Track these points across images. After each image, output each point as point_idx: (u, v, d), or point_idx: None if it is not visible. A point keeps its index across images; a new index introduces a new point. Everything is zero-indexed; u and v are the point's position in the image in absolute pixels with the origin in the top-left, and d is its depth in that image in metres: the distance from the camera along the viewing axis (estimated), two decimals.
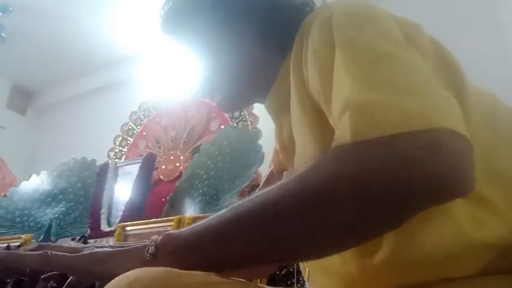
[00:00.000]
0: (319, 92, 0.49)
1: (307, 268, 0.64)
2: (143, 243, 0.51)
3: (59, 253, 0.55)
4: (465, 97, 0.49)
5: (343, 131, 0.40)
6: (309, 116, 0.54)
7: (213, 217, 0.47)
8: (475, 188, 0.41)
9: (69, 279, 0.56)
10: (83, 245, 0.55)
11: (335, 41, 0.48)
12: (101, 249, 0.54)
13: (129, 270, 0.44)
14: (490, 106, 0.54)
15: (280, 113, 0.66)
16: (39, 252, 0.55)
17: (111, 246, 0.56)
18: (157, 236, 0.50)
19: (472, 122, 0.47)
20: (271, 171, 0.84)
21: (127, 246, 0.53)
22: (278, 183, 0.43)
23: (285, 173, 0.78)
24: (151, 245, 0.49)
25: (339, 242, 0.42)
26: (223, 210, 0.46)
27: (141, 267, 0.45)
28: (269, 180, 0.83)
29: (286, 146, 0.66)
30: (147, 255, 0.48)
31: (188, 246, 0.47)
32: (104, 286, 0.43)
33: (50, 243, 0.58)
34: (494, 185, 0.45)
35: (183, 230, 0.49)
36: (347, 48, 0.46)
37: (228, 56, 0.67)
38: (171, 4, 0.72)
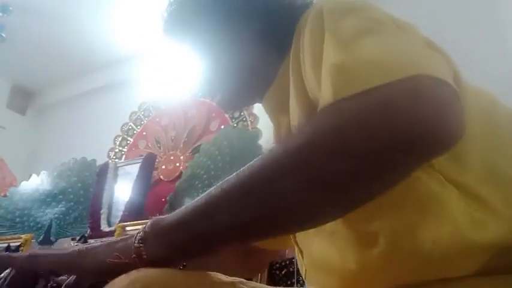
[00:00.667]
0: (314, 81, 0.49)
1: (303, 267, 0.63)
2: (128, 235, 0.51)
3: (46, 251, 0.55)
4: (463, 97, 0.49)
5: (325, 96, 0.40)
6: (308, 116, 0.54)
7: (199, 197, 0.46)
8: (474, 189, 0.42)
9: (67, 280, 0.56)
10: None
11: (324, 28, 0.48)
12: (86, 245, 0.54)
13: (116, 257, 0.46)
14: (489, 106, 0.54)
15: (278, 112, 0.66)
16: (27, 253, 0.56)
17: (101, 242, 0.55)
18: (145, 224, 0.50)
19: (470, 122, 0.47)
20: None
21: (116, 240, 0.52)
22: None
23: None
24: (140, 232, 0.48)
25: (328, 202, 0.40)
26: (211, 188, 0.45)
27: (130, 254, 0.45)
28: None
29: None
30: (136, 241, 0.48)
31: (173, 226, 0.46)
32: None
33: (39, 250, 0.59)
34: (493, 186, 0.45)
35: (172, 213, 0.48)
36: (334, 31, 0.46)
37: (227, 56, 0.68)
38: (172, 6, 0.73)
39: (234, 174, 0.44)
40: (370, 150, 0.36)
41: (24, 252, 0.58)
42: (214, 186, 0.45)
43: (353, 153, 0.36)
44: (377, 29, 0.44)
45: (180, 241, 0.45)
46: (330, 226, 0.52)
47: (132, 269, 0.44)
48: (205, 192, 0.45)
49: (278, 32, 0.64)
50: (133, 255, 0.46)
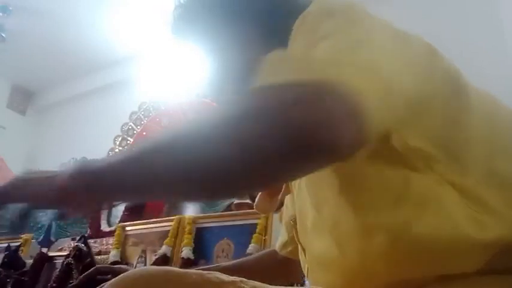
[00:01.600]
0: None
1: (306, 264, 0.64)
2: (55, 175, 0.50)
3: None
4: (466, 100, 0.50)
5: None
6: None
7: (145, 142, 0.46)
8: (475, 191, 0.43)
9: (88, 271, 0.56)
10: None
11: (306, 37, 0.49)
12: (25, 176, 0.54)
13: (43, 194, 0.48)
14: (491, 108, 0.54)
15: None
16: None
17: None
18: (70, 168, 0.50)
19: (472, 124, 0.47)
20: None
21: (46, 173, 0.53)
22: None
23: None
24: (65, 172, 0.48)
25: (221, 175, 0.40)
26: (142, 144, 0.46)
27: (56, 190, 0.47)
28: None
29: None
30: (59, 180, 0.48)
31: (106, 174, 0.46)
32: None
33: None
34: (494, 188, 0.45)
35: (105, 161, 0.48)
36: (313, 41, 0.46)
37: (232, 57, 0.68)
38: (178, 10, 0.73)
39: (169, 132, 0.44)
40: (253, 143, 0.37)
41: None
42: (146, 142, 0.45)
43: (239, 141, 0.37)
44: (334, 36, 0.45)
45: (108, 192, 0.46)
46: (330, 221, 0.52)
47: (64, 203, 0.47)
48: (138, 147, 0.45)
49: (281, 32, 0.64)
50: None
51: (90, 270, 0.65)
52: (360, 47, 0.43)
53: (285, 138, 0.36)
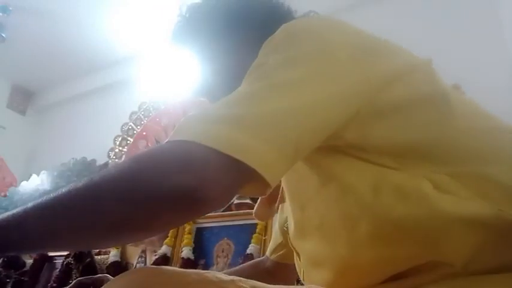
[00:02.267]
0: None
1: (301, 268, 0.64)
2: None
3: None
4: (449, 104, 0.52)
5: None
6: None
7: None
8: (448, 185, 0.45)
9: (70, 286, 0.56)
10: None
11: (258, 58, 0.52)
12: None
13: None
14: (470, 110, 0.55)
15: None
16: None
17: None
18: None
19: (455, 130, 0.49)
20: None
21: None
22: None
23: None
24: None
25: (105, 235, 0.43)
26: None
27: None
28: None
29: None
30: None
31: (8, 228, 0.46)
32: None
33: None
34: (468, 184, 0.46)
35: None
36: (251, 74, 0.51)
37: (228, 64, 0.71)
38: (181, 20, 0.77)
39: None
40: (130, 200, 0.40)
41: None
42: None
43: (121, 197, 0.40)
44: (267, 86, 0.47)
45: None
46: (317, 219, 0.54)
47: None
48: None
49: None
50: None
51: (71, 285, 0.64)
52: (281, 92, 0.46)
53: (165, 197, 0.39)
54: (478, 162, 0.49)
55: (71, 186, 0.43)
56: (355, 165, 0.49)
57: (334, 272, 0.53)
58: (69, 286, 0.65)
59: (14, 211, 0.47)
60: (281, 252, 0.84)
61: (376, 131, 0.49)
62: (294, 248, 0.66)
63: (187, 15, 0.76)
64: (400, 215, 0.45)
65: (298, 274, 0.68)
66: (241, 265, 0.91)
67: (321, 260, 0.55)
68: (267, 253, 0.88)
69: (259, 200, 0.80)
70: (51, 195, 0.44)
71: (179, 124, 0.44)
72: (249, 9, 0.72)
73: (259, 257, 0.95)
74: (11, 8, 2.69)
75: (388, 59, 0.53)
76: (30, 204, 0.46)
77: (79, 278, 0.64)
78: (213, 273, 0.48)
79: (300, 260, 0.65)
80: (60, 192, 0.43)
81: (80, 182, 0.42)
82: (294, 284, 0.91)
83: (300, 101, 0.45)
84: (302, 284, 0.69)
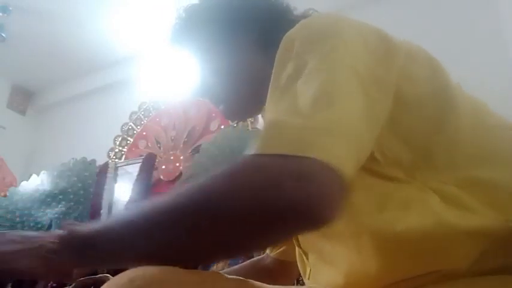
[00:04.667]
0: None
1: (307, 267, 0.64)
2: (45, 238, 0.53)
3: None
4: (453, 105, 0.52)
5: (256, 145, 0.43)
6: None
7: (118, 216, 0.49)
8: (455, 195, 0.45)
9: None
10: None
11: (288, 64, 0.50)
12: (13, 236, 0.54)
13: (32, 268, 0.49)
14: (478, 117, 0.55)
15: None
16: None
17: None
18: (60, 231, 0.53)
19: (456, 135, 0.49)
20: None
21: (34, 237, 0.54)
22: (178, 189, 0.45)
23: None
24: (52, 242, 0.51)
25: (214, 251, 0.44)
26: (125, 211, 0.48)
27: (44, 263, 0.49)
28: None
29: None
30: (46, 252, 0.50)
31: (94, 240, 0.49)
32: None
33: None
34: (475, 193, 0.46)
35: (87, 226, 0.51)
36: (295, 73, 0.49)
37: (228, 66, 0.71)
38: (177, 22, 0.77)
39: (154, 200, 0.45)
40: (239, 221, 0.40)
41: None
42: (132, 208, 0.48)
43: (237, 215, 0.40)
44: (326, 83, 0.46)
45: (90, 259, 0.49)
46: (333, 229, 0.54)
47: (45, 275, 0.48)
48: (121, 213, 0.47)
49: (273, 41, 0.66)
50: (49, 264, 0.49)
51: (73, 285, 0.65)
52: (332, 99, 0.44)
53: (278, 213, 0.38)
54: (481, 164, 0.48)
55: (167, 202, 0.43)
56: (365, 183, 0.49)
57: (344, 274, 0.53)
58: (70, 286, 0.65)
59: (107, 223, 0.48)
60: (281, 249, 0.84)
61: (388, 139, 0.49)
62: (301, 248, 0.66)
63: (184, 16, 0.76)
64: (405, 229, 0.45)
65: (302, 274, 0.68)
66: (241, 264, 0.91)
67: (333, 260, 0.55)
68: (267, 250, 0.88)
69: None
70: (156, 207, 0.44)
71: (267, 135, 0.42)
72: (247, 8, 0.72)
73: (260, 256, 0.96)
74: (11, 8, 2.69)
75: (398, 58, 0.53)
76: (134, 218, 0.46)
77: (80, 279, 0.64)
78: (213, 273, 0.48)
79: (307, 259, 0.65)
80: (163, 207, 0.43)
81: (178, 197, 0.43)
82: (293, 282, 0.91)
83: (357, 106, 0.45)
84: (302, 284, 0.69)
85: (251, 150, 0.42)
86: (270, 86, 0.52)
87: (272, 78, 0.52)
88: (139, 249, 0.45)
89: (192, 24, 0.74)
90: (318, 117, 0.42)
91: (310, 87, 0.45)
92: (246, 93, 0.71)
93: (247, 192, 0.39)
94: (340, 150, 0.41)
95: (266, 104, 0.52)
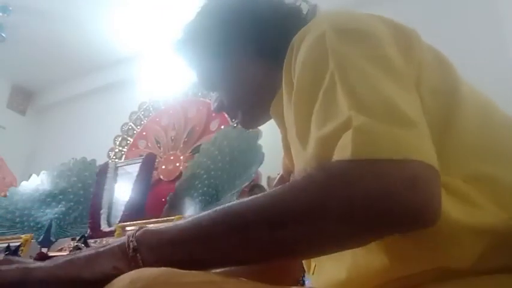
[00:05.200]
0: (294, 108, 0.53)
1: (312, 263, 0.64)
2: (120, 240, 0.50)
3: (38, 264, 0.51)
4: (460, 101, 0.52)
5: (343, 148, 0.42)
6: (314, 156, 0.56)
7: (200, 216, 0.47)
8: (461, 190, 0.45)
9: None
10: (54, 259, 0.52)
11: (328, 61, 0.49)
12: (78, 254, 0.51)
13: (117, 268, 0.46)
14: (485, 113, 0.55)
15: (282, 120, 0.68)
16: (17, 265, 0.50)
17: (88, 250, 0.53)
18: (133, 230, 0.51)
19: (463, 131, 0.49)
20: (281, 175, 0.86)
21: (103, 247, 0.51)
22: (270, 190, 0.46)
23: (291, 175, 0.79)
24: (131, 240, 0.49)
25: (317, 251, 0.47)
26: (211, 211, 0.47)
27: (127, 264, 0.46)
28: (278, 185, 0.85)
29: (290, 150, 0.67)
30: (130, 251, 0.48)
31: (173, 243, 0.47)
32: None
33: (16, 256, 0.55)
34: (481, 189, 0.46)
35: (164, 226, 0.50)
36: (343, 71, 0.48)
37: (234, 78, 0.73)
38: (180, 37, 0.78)
39: (239, 201, 0.46)
40: (362, 225, 0.41)
41: (13, 264, 0.51)
42: (216, 208, 0.47)
43: (350, 223, 0.41)
44: (384, 80, 0.47)
45: (172, 258, 0.46)
46: None
47: None
48: (205, 213, 0.47)
49: (275, 48, 0.67)
50: (132, 264, 0.47)
51: None
52: (391, 94, 0.45)
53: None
54: (488, 160, 0.48)
55: (266, 201, 0.44)
56: None
57: (347, 269, 0.53)
58: None
59: (192, 222, 0.48)
60: None
61: None
62: None
63: (186, 31, 0.77)
64: None
65: (306, 269, 0.68)
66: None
67: (337, 254, 0.56)
68: None
69: None
70: (251, 205, 0.45)
71: (360, 140, 0.42)
72: (250, 18, 0.72)
73: None
74: (11, 8, 2.69)
75: (415, 51, 0.53)
76: (217, 215, 0.47)
77: None
78: (213, 273, 0.48)
79: None
80: (262, 206, 0.44)
81: (281, 196, 0.44)
82: (297, 282, 0.91)
83: (416, 100, 0.47)
84: (303, 283, 0.69)
85: (340, 153, 0.43)
86: (303, 85, 0.51)
87: (300, 79, 0.52)
88: (229, 254, 0.46)
89: (194, 39, 0.76)
90: (399, 119, 0.43)
91: (369, 88, 0.45)
92: (256, 99, 0.73)
93: (364, 200, 0.40)
94: (430, 148, 0.42)
95: (298, 104, 0.52)
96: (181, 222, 0.48)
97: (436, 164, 0.41)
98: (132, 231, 0.51)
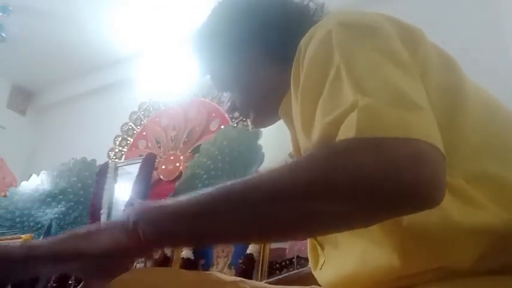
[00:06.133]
0: (301, 103, 0.53)
1: (322, 258, 0.64)
2: (121, 217, 0.51)
3: (40, 241, 0.53)
4: (464, 100, 0.52)
5: (348, 127, 0.42)
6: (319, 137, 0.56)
7: (202, 193, 0.47)
8: (463, 189, 0.45)
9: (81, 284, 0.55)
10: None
11: (334, 55, 0.50)
12: (80, 229, 0.53)
13: (117, 241, 0.46)
14: (489, 111, 0.55)
15: (292, 118, 0.69)
16: (26, 245, 0.53)
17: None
18: (131, 206, 0.51)
19: (466, 130, 0.49)
20: None
21: (106, 224, 0.53)
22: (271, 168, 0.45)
23: None
24: (132, 214, 0.49)
25: (318, 229, 0.46)
26: (212, 188, 0.47)
27: (127, 237, 0.47)
28: None
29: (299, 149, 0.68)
30: (131, 224, 0.48)
31: (174, 217, 0.47)
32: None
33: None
34: (483, 188, 0.47)
35: (164, 201, 0.50)
36: (349, 63, 0.48)
37: (246, 79, 0.75)
38: (192, 41, 0.81)
39: (240, 179, 0.46)
40: (368, 202, 0.41)
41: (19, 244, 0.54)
42: (216, 186, 0.46)
43: (354, 201, 0.41)
44: (391, 69, 0.47)
45: (177, 234, 0.47)
46: None
47: (133, 252, 0.46)
48: (208, 191, 0.47)
49: (284, 50, 0.68)
50: (132, 238, 0.47)
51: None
52: (401, 81, 0.45)
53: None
54: (490, 159, 0.49)
55: (265, 179, 0.44)
56: None
57: (355, 264, 0.53)
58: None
59: (196, 197, 0.47)
60: None
61: None
62: (317, 240, 0.66)
63: (199, 35, 0.79)
64: (411, 224, 0.45)
65: (313, 266, 0.68)
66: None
67: (345, 249, 0.56)
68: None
69: None
70: (250, 184, 0.45)
71: (365, 118, 0.42)
72: (259, 21, 0.74)
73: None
74: (10, 8, 2.69)
75: (420, 48, 0.53)
76: (226, 189, 0.46)
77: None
78: (213, 274, 0.48)
79: (322, 250, 0.65)
80: (260, 184, 0.44)
81: (280, 174, 0.43)
82: None
83: (421, 88, 0.47)
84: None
85: (345, 133, 0.42)
86: (309, 80, 0.52)
87: (307, 76, 0.52)
88: (232, 224, 0.45)
89: (207, 41, 0.78)
90: (406, 103, 0.43)
91: (375, 79, 0.45)
92: (267, 98, 0.74)
93: (367, 180, 0.40)
94: (435, 131, 0.42)
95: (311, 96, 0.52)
96: (182, 197, 0.48)
97: (442, 147, 0.41)
98: (133, 207, 0.51)
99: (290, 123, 0.70)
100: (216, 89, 0.84)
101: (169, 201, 0.49)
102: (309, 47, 0.54)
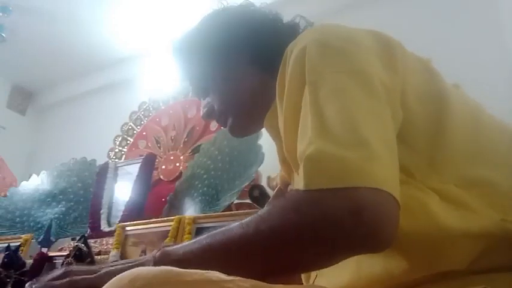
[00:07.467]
0: (283, 125, 0.57)
1: (315, 272, 0.64)
2: (147, 257, 0.56)
3: (83, 277, 0.56)
4: (450, 104, 0.53)
5: (300, 178, 0.46)
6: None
7: (206, 237, 0.52)
8: (454, 195, 0.46)
9: None
10: (99, 266, 0.60)
11: (306, 75, 0.51)
12: (116, 264, 0.58)
13: None
14: (474, 118, 0.56)
15: (278, 130, 0.69)
16: (67, 280, 0.57)
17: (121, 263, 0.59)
18: (156, 250, 0.56)
19: (453, 137, 0.49)
20: (279, 188, 0.87)
21: (134, 261, 0.57)
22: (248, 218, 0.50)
23: (289, 187, 0.80)
24: (151, 260, 0.54)
25: (284, 270, 0.49)
26: (213, 232, 0.52)
27: None
28: (276, 197, 0.88)
29: (286, 160, 0.68)
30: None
31: (177, 262, 0.50)
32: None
33: (73, 267, 0.61)
34: (473, 192, 0.47)
35: (179, 246, 0.55)
36: (316, 89, 0.50)
37: (228, 85, 0.75)
38: (176, 47, 0.82)
39: (236, 225, 0.50)
40: (312, 251, 0.44)
41: (60, 276, 0.59)
42: (221, 229, 0.52)
43: (303, 249, 0.45)
44: (356, 101, 0.48)
45: None
46: None
47: None
48: (211, 233, 0.52)
49: (269, 58, 0.70)
50: None
51: None
52: (357, 120, 0.47)
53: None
54: (479, 164, 0.49)
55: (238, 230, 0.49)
56: None
57: (350, 274, 0.53)
58: None
59: (193, 246, 0.53)
60: None
61: (400, 146, 0.50)
62: None
63: (180, 44, 0.80)
64: (405, 231, 0.45)
65: (304, 280, 0.68)
66: None
67: (343, 262, 0.56)
68: None
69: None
70: (234, 233, 0.50)
71: (313, 169, 0.45)
72: (239, 31, 0.75)
73: None
74: (11, 8, 2.69)
75: (400, 63, 0.54)
76: (210, 242, 0.52)
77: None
78: (213, 273, 0.48)
79: None
80: (238, 238, 0.49)
81: (250, 224, 0.48)
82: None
83: (386, 120, 0.48)
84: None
85: (299, 184, 0.45)
86: (286, 105, 0.54)
87: (287, 95, 0.54)
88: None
89: (191, 45, 0.79)
90: (354, 141, 0.44)
91: (335, 107, 0.47)
92: (248, 107, 0.75)
93: (311, 232, 0.43)
94: (385, 171, 0.43)
95: (283, 123, 0.55)
96: (195, 241, 0.54)
97: (390, 185, 0.42)
98: (155, 251, 0.56)
99: (276, 136, 0.70)
100: (195, 94, 0.84)
101: (185, 247, 0.54)
102: (290, 61, 0.56)
